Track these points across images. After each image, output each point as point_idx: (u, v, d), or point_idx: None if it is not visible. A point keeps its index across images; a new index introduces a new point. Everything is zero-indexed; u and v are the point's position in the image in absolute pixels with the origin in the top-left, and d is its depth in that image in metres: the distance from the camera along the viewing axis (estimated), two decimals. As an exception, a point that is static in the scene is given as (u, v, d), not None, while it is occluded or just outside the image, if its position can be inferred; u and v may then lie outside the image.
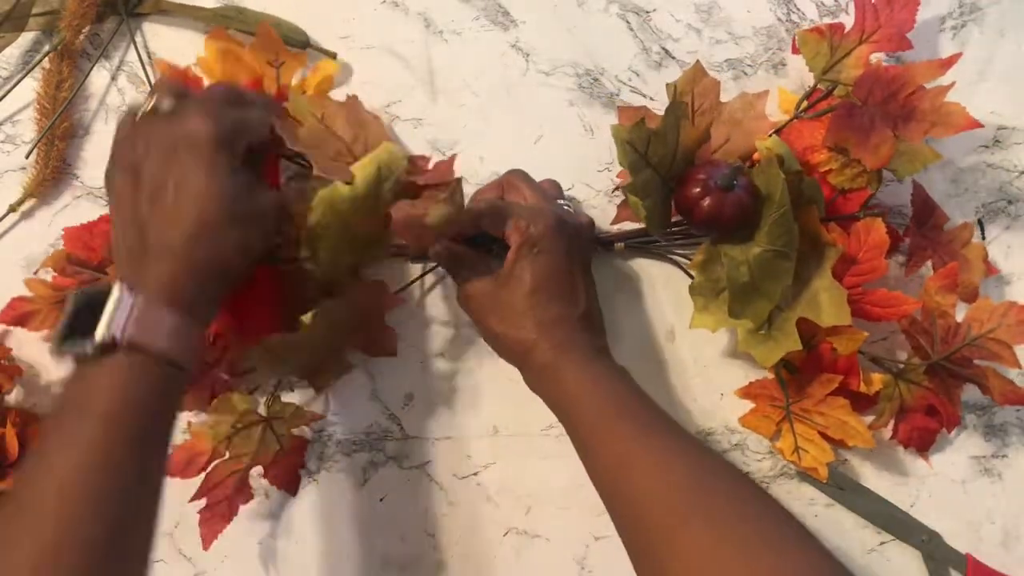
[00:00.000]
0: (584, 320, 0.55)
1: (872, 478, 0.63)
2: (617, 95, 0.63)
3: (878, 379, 0.59)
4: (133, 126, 0.49)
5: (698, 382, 0.55)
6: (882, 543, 0.64)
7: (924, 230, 0.61)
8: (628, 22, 0.63)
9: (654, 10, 0.63)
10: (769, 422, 0.61)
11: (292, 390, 0.63)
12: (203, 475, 0.59)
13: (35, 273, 0.59)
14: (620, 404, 0.51)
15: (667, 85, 0.59)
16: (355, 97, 0.62)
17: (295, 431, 0.62)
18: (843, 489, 0.62)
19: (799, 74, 0.64)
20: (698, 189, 0.55)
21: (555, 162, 0.63)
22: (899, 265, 0.61)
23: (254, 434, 0.60)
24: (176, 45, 0.64)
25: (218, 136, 0.47)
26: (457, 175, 0.56)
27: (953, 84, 0.56)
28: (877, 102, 0.57)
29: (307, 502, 0.63)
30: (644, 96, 0.63)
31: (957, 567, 0.62)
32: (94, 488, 0.41)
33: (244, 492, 0.60)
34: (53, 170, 0.63)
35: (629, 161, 0.54)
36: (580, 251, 0.56)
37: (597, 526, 0.63)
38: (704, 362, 0.62)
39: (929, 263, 0.61)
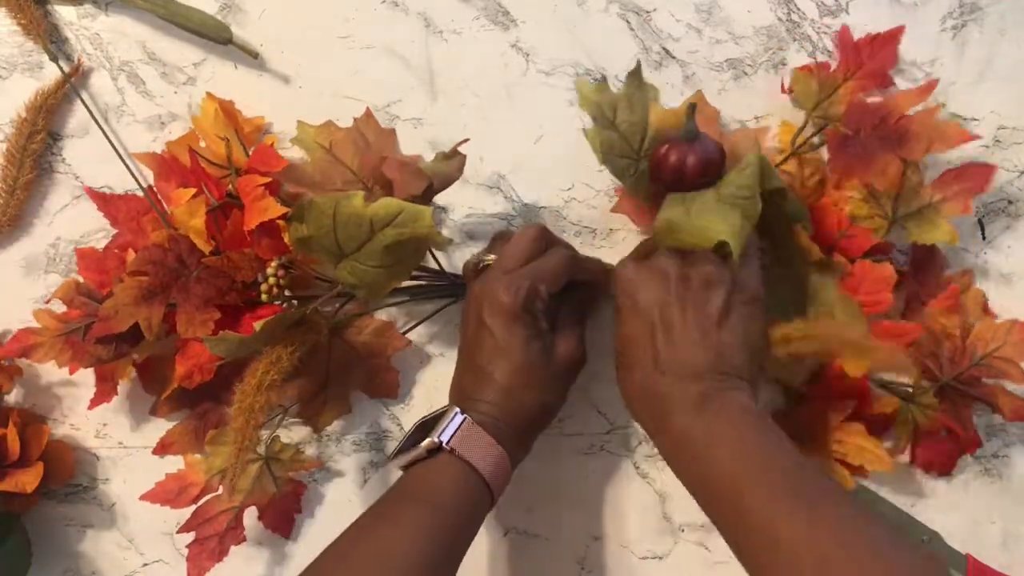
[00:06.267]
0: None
1: (872, 478, 0.63)
2: (617, 95, 0.63)
3: (889, 401, 0.59)
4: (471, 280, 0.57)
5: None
6: (882, 543, 0.64)
7: (921, 276, 0.61)
8: (628, 22, 0.63)
9: (654, 10, 0.63)
10: None
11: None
12: (194, 507, 0.58)
13: (46, 303, 0.58)
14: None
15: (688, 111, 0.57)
16: (368, 113, 0.62)
17: (292, 475, 0.61)
18: (843, 489, 0.62)
19: (799, 74, 0.64)
20: (664, 147, 0.55)
21: (555, 162, 0.63)
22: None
23: (250, 472, 0.59)
24: (127, 31, 0.64)
25: (512, 309, 0.53)
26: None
27: (940, 106, 0.59)
28: (869, 130, 0.58)
29: (307, 503, 0.63)
30: (644, 96, 0.63)
31: (957, 567, 0.62)
32: (421, 560, 0.47)
33: (237, 533, 0.59)
34: (10, 218, 0.62)
35: (594, 119, 0.55)
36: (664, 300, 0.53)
37: (597, 526, 0.63)
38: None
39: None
